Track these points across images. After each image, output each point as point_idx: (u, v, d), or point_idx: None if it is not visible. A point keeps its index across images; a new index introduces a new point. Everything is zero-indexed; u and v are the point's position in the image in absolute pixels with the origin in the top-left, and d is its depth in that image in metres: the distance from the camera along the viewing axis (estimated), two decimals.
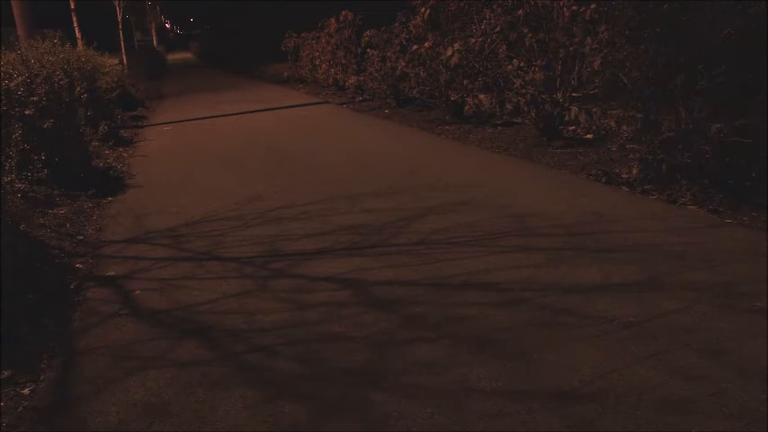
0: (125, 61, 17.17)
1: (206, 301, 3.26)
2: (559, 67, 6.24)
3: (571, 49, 6.05)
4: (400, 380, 2.37)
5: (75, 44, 10.63)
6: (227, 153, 7.59)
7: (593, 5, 5.72)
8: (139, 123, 11.13)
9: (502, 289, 3.11)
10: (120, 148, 8.26)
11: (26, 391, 2.54)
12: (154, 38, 43.44)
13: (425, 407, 2.19)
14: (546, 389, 2.24)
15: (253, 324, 2.94)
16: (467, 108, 8.56)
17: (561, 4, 6.05)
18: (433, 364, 2.46)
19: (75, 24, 13.16)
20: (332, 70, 13.63)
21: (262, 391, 2.37)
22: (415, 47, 8.73)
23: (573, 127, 6.82)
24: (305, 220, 4.52)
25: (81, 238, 4.53)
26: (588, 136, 6.48)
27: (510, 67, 6.78)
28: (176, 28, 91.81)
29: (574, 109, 6.89)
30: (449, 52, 7.62)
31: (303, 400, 2.30)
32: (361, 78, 11.85)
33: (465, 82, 7.95)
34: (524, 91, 6.60)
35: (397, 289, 3.20)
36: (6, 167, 5.00)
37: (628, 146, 4.96)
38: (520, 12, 6.53)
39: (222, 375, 2.52)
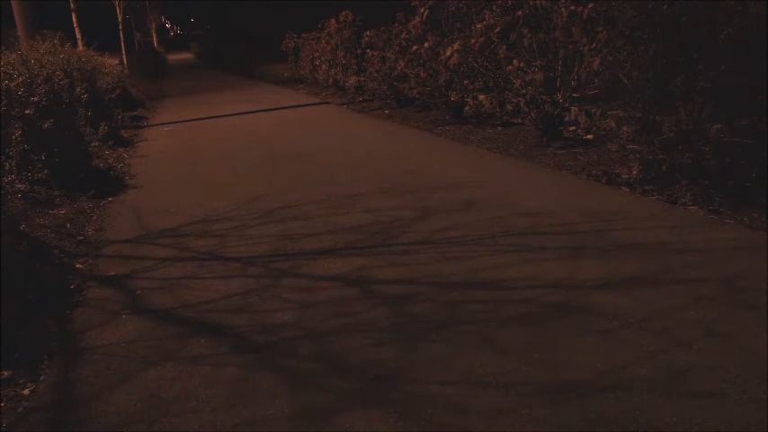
0: (125, 61, 17.18)
1: (207, 300, 3.26)
2: (559, 68, 6.24)
3: (570, 48, 6.05)
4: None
5: (75, 44, 10.64)
6: (228, 153, 7.59)
7: (590, 5, 5.72)
8: (139, 124, 11.14)
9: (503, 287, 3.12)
10: (121, 149, 8.26)
11: (26, 391, 2.55)
12: (154, 38, 43.46)
13: None
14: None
15: (256, 322, 2.95)
16: (467, 108, 8.55)
17: (560, 4, 6.05)
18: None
19: (76, 24, 13.17)
20: (332, 71, 13.62)
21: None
22: (414, 47, 8.72)
23: (573, 127, 6.82)
24: (306, 219, 4.52)
25: (81, 238, 4.54)
26: (588, 136, 6.47)
27: (510, 67, 6.78)
28: (176, 28, 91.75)
29: (574, 109, 6.89)
30: (448, 52, 7.61)
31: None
32: (362, 79, 11.85)
33: (465, 82, 7.94)
34: (524, 91, 6.60)
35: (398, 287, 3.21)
36: (6, 167, 5.00)
37: (628, 146, 4.96)
38: (519, 12, 6.53)
39: (229, 373, 2.52)
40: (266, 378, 2.47)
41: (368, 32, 10.90)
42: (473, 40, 7.32)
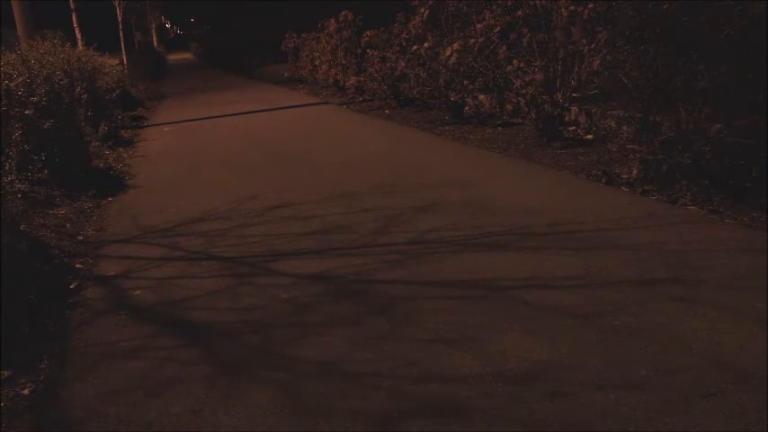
0: (125, 61, 17.18)
1: (204, 299, 3.27)
2: (559, 68, 6.24)
3: (570, 48, 6.05)
4: None
5: (75, 44, 10.64)
6: (227, 153, 7.60)
7: (590, 5, 5.72)
8: (139, 124, 11.14)
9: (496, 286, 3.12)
10: (120, 149, 8.27)
11: (26, 391, 2.55)
12: (154, 38, 43.48)
13: None
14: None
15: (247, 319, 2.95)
16: (467, 108, 8.55)
17: (560, 4, 6.05)
18: None
19: (76, 24, 13.18)
20: (332, 71, 13.62)
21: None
22: (414, 47, 8.73)
23: (573, 127, 6.82)
24: (303, 219, 4.52)
25: (81, 238, 4.54)
26: (588, 136, 6.48)
27: (510, 67, 6.78)
28: (176, 28, 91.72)
29: (574, 109, 6.90)
30: (448, 52, 7.62)
31: None
32: (362, 79, 11.84)
33: (465, 82, 7.95)
34: (524, 91, 6.60)
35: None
36: (6, 168, 5.00)
37: (628, 146, 4.96)
38: (519, 12, 6.53)
39: (228, 381, 2.53)
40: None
41: (368, 32, 10.89)
42: (473, 40, 7.32)
